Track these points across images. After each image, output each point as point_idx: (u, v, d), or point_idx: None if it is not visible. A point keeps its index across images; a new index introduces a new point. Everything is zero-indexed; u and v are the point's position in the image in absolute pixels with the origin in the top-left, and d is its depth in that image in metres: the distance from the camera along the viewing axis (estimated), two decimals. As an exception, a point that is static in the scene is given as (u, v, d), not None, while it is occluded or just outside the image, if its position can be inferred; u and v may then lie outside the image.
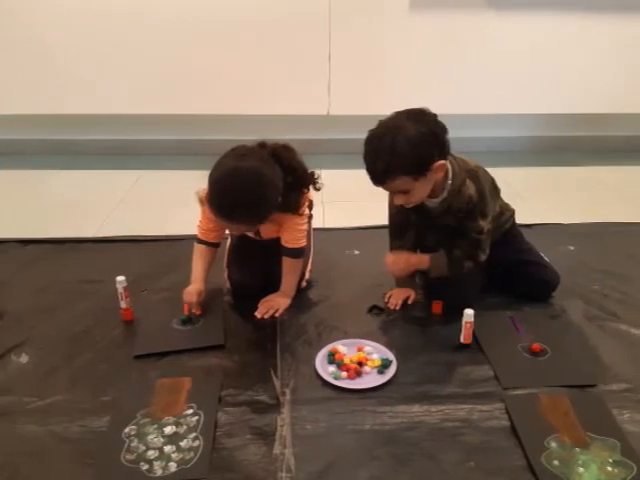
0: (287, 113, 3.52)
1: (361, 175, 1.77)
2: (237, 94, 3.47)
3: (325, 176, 2.04)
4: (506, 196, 2.10)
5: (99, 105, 3.49)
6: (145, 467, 1.41)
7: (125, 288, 1.97)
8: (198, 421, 1.55)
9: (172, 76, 3.41)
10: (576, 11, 3.33)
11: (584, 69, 3.46)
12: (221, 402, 1.63)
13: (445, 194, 1.87)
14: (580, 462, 1.41)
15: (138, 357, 1.83)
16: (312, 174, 1.98)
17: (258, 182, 1.75)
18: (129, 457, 1.44)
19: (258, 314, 2.02)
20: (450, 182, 1.85)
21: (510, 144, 3.82)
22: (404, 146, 1.68)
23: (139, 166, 3.55)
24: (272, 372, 1.75)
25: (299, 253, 2.05)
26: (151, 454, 1.45)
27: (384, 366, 1.75)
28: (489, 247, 1.95)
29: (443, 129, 1.75)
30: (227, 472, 1.41)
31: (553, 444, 1.46)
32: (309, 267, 2.20)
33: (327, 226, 2.68)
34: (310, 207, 2.09)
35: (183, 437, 1.50)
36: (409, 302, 2.09)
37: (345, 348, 1.84)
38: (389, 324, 2.01)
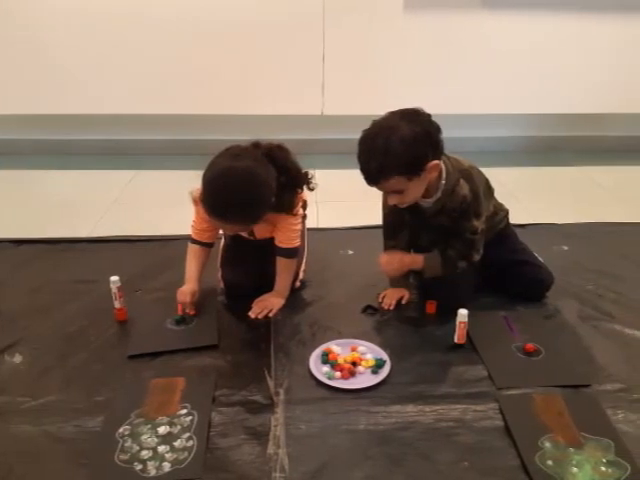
0: (281, 113, 3.51)
1: (355, 175, 1.78)
2: (231, 94, 3.46)
3: (319, 176, 2.05)
4: (500, 196, 2.10)
5: (92, 105, 3.48)
6: (139, 467, 1.41)
7: (119, 288, 1.97)
8: (192, 421, 1.54)
9: (165, 76, 3.40)
10: (570, 11, 3.33)
11: (577, 69, 3.47)
12: (215, 402, 1.63)
13: (439, 194, 1.87)
14: (574, 462, 1.41)
15: (132, 357, 1.82)
16: (306, 174, 1.98)
17: (252, 182, 1.75)
18: (123, 457, 1.43)
19: (252, 314, 2.02)
20: (444, 182, 1.85)
21: (504, 144, 3.83)
22: (398, 146, 1.68)
23: (133, 166, 3.54)
24: (266, 372, 1.75)
25: (293, 253, 2.04)
26: (145, 454, 1.44)
27: (378, 366, 1.75)
28: (483, 247, 1.95)
29: (437, 129, 1.75)
30: (221, 472, 1.41)
31: (547, 444, 1.46)
32: (303, 267, 2.20)
33: (321, 226, 2.68)
34: (304, 207, 2.09)
35: (177, 437, 1.49)
36: (403, 302, 2.09)
37: (339, 348, 1.84)
38: (383, 324, 2.01)
